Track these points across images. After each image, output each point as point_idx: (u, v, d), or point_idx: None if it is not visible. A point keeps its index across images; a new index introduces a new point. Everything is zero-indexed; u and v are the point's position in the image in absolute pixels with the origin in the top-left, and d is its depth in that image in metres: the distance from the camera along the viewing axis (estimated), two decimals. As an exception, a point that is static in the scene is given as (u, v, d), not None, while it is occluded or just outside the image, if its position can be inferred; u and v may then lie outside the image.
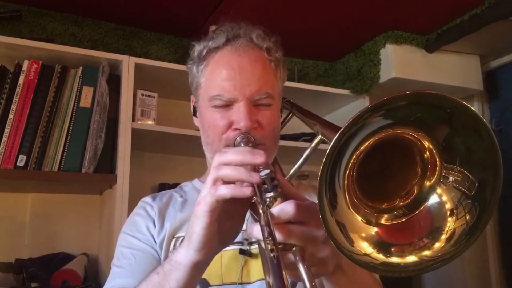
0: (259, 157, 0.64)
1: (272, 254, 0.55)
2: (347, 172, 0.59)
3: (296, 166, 0.81)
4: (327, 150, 0.54)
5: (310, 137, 1.93)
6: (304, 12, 1.82)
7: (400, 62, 1.97)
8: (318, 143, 0.76)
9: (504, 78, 2.25)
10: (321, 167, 0.54)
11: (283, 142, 1.80)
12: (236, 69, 0.88)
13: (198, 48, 0.94)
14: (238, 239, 0.90)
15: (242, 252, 0.90)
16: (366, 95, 2.03)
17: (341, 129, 0.53)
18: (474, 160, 0.58)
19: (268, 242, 0.56)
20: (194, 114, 1.00)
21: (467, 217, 0.59)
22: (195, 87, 0.96)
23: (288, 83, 1.93)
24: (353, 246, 0.58)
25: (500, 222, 2.20)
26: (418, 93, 0.54)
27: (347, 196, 0.61)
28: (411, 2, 1.75)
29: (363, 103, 2.04)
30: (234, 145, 0.85)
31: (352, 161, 0.59)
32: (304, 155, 0.79)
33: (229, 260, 0.90)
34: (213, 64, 0.91)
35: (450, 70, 2.06)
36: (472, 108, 0.55)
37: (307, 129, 1.92)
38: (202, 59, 0.93)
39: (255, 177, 0.63)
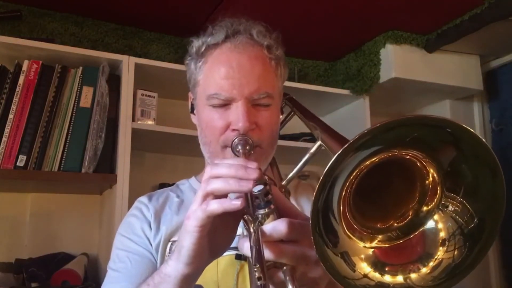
0: (253, 173, 0.61)
1: (259, 283, 0.53)
2: (344, 191, 0.58)
3: (294, 171, 0.79)
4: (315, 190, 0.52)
5: (310, 137, 1.93)
6: (304, 12, 1.82)
7: (400, 62, 1.97)
8: (317, 149, 0.74)
9: (504, 78, 2.25)
10: (312, 201, 0.52)
11: (283, 142, 1.81)
12: (235, 67, 0.85)
13: (196, 44, 0.91)
14: (234, 244, 0.90)
15: (238, 257, 0.87)
16: (366, 95, 2.04)
17: (331, 161, 0.51)
18: (480, 195, 0.55)
19: (256, 269, 0.54)
20: (192, 111, 0.98)
21: (456, 253, 0.57)
22: (193, 84, 0.93)
23: (288, 83, 1.94)
24: (354, 271, 0.57)
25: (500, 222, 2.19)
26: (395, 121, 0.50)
27: (344, 224, 0.59)
28: (411, 2, 1.74)
29: (363, 103, 2.04)
30: (232, 147, 0.83)
31: (349, 181, 0.57)
32: (303, 160, 0.77)
33: (225, 266, 0.88)
34: (211, 61, 0.89)
35: (450, 70, 2.06)
36: (478, 135, 0.51)
37: (307, 129, 1.92)
38: (201, 56, 0.90)
39: (245, 185, 0.60)
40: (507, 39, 1.97)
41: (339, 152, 0.50)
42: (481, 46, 2.05)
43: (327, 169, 0.51)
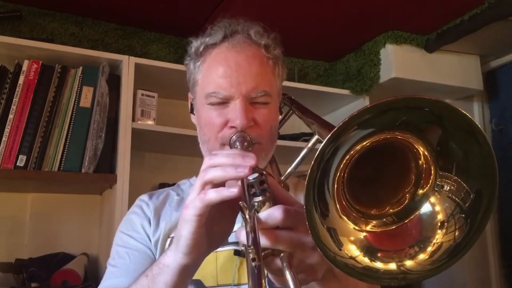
0: (250, 160, 0.63)
1: (253, 264, 0.54)
2: (338, 175, 0.58)
3: (293, 166, 0.79)
4: (314, 156, 0.52)
5: (309, 137, 1.93)
6: (304, 12, 1.82)
7: (400, 62, 1.97)
8: (315, 143, 0.75)
9: (504, 78, 2.25)
10: (308, 173, 0.53)
11: (283, 142, 1.81)
12: (232, 66, 0.87)
13: (195, 44, 0.93)
14: (233, 239, 0.90)
15: (237, 253, 0.88)
16: (366, 95, 2.04)
17: (327, 136, 0.51)
18: (472, 168, 0.56)
19: (250, 250, 0.54)
20: (192, 111, 0.99)
21: (456, 233, 0.57)
22: (192, 84, 0.95)
23: (288, 83, 1.94)
24: (340, 250, 0.57)
25: (500, 222, 2.20)
26: (381, 103, 0.51)
27: (337, 204, 0.59)
28: (411, 2, 1.75)
29: (363, 103, 2.04)
30: (230, 144, 0.84)
31: (343, 165, 0.58)
32: (301, 155, 0.77)
33: (224, 261, 0.89)
34: (209, 60, 0.90)
35: (450, 70, 2.06)
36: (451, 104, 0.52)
37: (307, 129, 1.92)
38: (199, 56, 0.92)
39: (242, 171, 0.61)
40: (507, 39, 1.97)
41: (339, 124, 0.51)
42: (481, 46, 2.05)
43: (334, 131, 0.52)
